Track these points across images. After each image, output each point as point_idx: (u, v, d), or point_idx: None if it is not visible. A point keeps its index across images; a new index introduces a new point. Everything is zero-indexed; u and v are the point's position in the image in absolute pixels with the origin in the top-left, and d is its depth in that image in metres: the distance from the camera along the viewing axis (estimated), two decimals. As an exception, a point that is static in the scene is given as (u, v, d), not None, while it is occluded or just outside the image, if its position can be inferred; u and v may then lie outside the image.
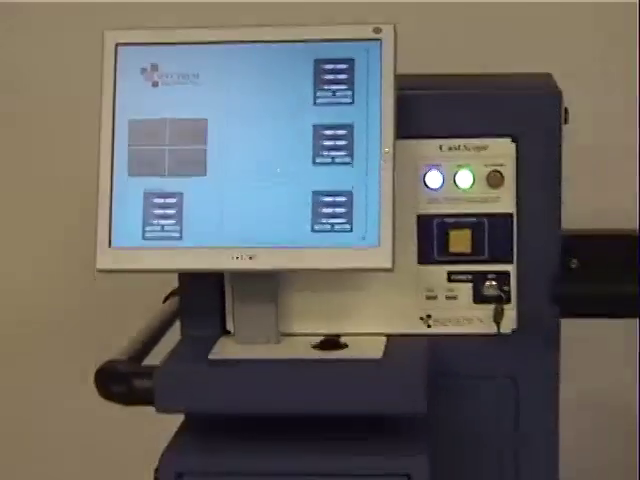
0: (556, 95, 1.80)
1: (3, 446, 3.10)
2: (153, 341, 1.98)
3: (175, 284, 2.02)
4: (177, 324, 2.01)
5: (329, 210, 1.72)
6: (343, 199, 1.71)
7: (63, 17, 2.77)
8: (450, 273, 1.86)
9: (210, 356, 1.80)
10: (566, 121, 1.81)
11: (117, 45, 1.74)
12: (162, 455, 1.76)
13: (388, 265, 1.69)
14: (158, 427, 1.84)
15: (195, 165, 1.74)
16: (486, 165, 1.83)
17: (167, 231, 1.74)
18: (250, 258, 1.72)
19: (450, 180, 1.83)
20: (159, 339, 2.00)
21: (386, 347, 1.81)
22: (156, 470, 1.74)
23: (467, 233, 1.85)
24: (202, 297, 1.91)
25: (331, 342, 1.84)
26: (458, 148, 1.83)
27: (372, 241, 1.69)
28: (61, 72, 2.69)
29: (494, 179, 1.82)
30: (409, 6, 2.52)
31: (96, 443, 3.03)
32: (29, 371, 3.03)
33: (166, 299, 2.16)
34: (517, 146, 1.81)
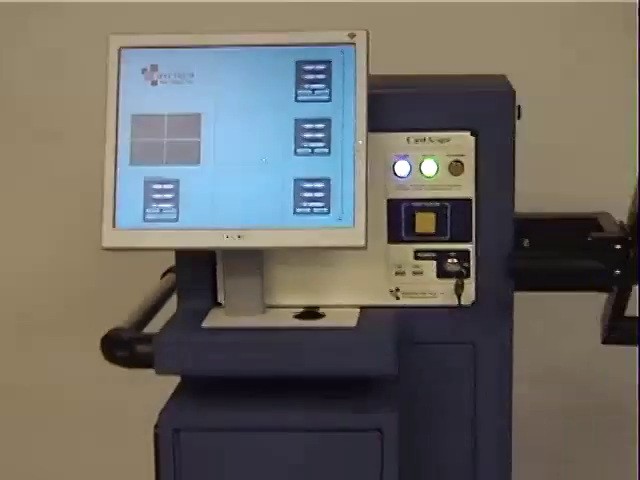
0: (510, 94, 1.85)
1: (25, 407, 3.12)
2: (152, 312, 2.01)
3: (170, 262, 2.07)
4: (173, 297, 2.05)
5: (309, 195, 1.76)
6: (321, 185, 1.76)
7: (70, 19, 2.80)
8: (416, 251, 1.90)
9: (203, 325, 1.85)
10: (519, 117, 1.86)
11: (121, 48, 1.79)
12: (160, 413, 1.79)
13: (361, 243, 1.74)
14: (157, 388, 1.89)
15: (190, 155, 1.79)
16: (448, 155, 1.88)
17: (165, 213, 1.79)
18: (239, 237, 1.76)
19: (416, 169, 1.88)
20: (158, 310, 2.04)
21: (359, 317, 1.86)
22: (156, 426, 1.78)
23: (431, 216, 1.90)
24: (196, 272, 1.95)
25: (311, 313, 1.89)
26: (424, 140, 1.88)
27: (347, 222, 1.74)
28: (71, 71, 2.74)
29: (455, 168, 1.88)
30: (385, 8, 2.59)
31: (103, 403, 3.04)
32: (45, 339, 3.05)
33: (163, 275, 2.19)
34: (476, 139, 1.87)
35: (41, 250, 3.01)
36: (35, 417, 3.12)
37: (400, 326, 1.86)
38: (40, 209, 3.01)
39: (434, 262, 1.92)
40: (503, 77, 1.95)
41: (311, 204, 1.78)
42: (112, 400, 2.99)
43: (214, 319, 1.89)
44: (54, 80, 2.75)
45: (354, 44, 1.77)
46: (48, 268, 3.00)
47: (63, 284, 2.98)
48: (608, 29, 2.70)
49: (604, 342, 2.04)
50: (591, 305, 2.11)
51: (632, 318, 2.01)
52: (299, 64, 1.79)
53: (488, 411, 2.00)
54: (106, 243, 1.80)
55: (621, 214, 1.98)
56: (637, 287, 2.03)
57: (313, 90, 1.79)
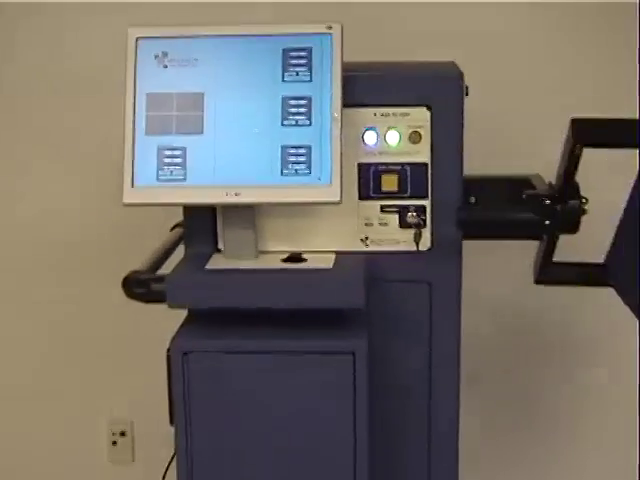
0: (458, 76, 1.95)
1: (57, 336, 3.15)
2: (164, 257, 2.06)
3: (178, 218, 2.15)
4: (181, 247, 2.13)
5: (293, 159, 1.85)
6: (304, 151, 1.85)
7: (100, 15, 2.83)
8: (382, 206, 1.99)
9: (207, 267, 1.94)
10: (467, 94, 1.95)
11: (137, 39, 1.89)
12: (172, 340, 1.88)
13: (337, 199, 1.84)
14: (169, 319, 1.98)
15: (195, 127, 1.87)
16: (408, 127, 1.97)
17: (175, 175, 1.87)
18: (236, 194, 1.86)
19: (382, 138, 1.97)
20: (168, 256, 2.09)
21: (335, 260, 1.95)
22: (168, 350, 1.87)
23: (394, 177, 1.99)
24: (200, 224, 2.03)
25: (295, 257, 1.98)
26: (388, 115, 1.97)
27: (325, 181, 1.84)
28: (98, 58, 2.77)
29: (414, 137, 1.97)
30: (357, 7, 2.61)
31: (123, 333, 3.09)
32: (74, 279, 3.09)
33: (172, 229, 2.24)
34: (431, 113, 1.96)
35: (73, 209, 3.06)
36: (67, 339, 3.16)
37: (368, 268, 1.94)
38: (73, 174, 3.04)
39: (397, 215, 2.00)
40: (453, 63, 2.02)
41: (295, 166, 1.85)
42: (131, 331, 3.05)
43: (215, 262, 1.96)
44: (95, 63, 2.79)
45: (331, 34, 1.86)
46: (80, 221, 3.05)
47: (91, 237, 3.03)
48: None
49: (536, 282, 2.08)
50: (526, 251, 2.15)
51: (559, 263, 2.05)
52: (285, 51, 1.86)
53: (441, 336, 2.08)
54: (126, 200, 1.87)
55: (551, 176, 2.04)
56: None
57: (297, 72, 1.87)
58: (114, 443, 3.21)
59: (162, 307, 1.93)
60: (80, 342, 3.13)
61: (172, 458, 2.03)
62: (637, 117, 1.85)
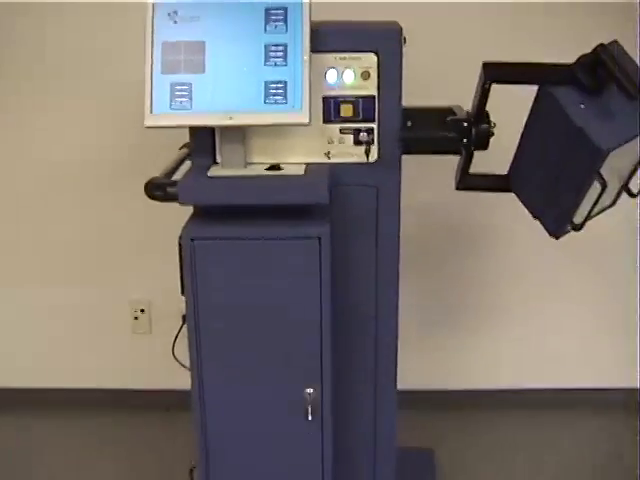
0: (399, 30, 2.00)
1: (89, 231, 3.19)
2: (176, 168, 2.10)
3: (184, 140, 2.17)
4: (187, 161, 2.15)
5: (273, 91, 1.91)
6: (281, 85, 1.90)
7: None
8: (341, 128, 2.05)
9: (208, 174, 2.00)
10: (405, 43, 2.00)
11: (154, 3, 1.95)
12: (182, 230, 1.96)
13: (306, 122, 1.90)
14: (179, 219, 2.02)
15: (198, 68, 1.92)
16: (360, 68, 2.01)
17: (183, 104, 1.92)
18: (230, 118, 1.92)
19: (340, 76, 2.02)
20: (178, 168, 2.12)
21: (306, 169, 2.01)
22: (180, 237, 1.95)
23: (350, 106, 2.04)
24: (202, 142, 2.06)
25: (275, 167, 2.03)
26: (345, 58, 2.01)
27: (298, 108, 1.90)
28: (124, 17, 2.64)
29: (365, 76, 2.01)
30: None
31: (143, 232, 3.16)
32: (104, 188, 3.13)
33: (181, 148, 2.26)
34: (378, 58, 2.01)
35: (105, 136, 3.06)
36: (99, 237, 3.22)
37: (331, 174, 2.00)
38: (100, 107, 3.04)
39: (352, 135, 2.04)
40: (395, 22, 2.05)
41: (275, 97, 1.90)
42: (149, 227, 3.10)
43: (214, 171, 2.01)
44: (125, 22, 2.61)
45: (302, -2, 1.91)
46: (112, 142, 3.05)
47: (120, 155, 3.05)
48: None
49: (457, 189, 2.13)
50: (449, 165, 2.19)
51: (474, 174, 2.10)
52: (267, 9, 1.92)
53: (385, 230, 2.14)
54: (147, 123, 1.93)
55: (468, 107, 2.09)
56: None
57: (276, 26, 1.92)
58: (136, 318, 3.29)
59: (173, 210, 2.00)
60: (108, 240, 3.19)
61: (180, 328, 2.11)
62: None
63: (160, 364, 2.58)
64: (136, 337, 3.27)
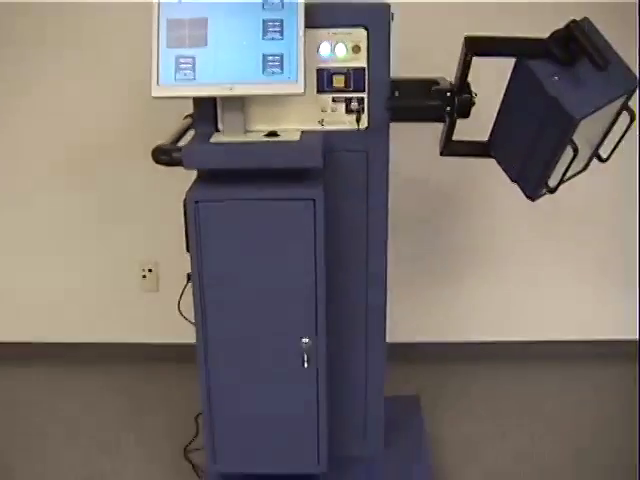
0: (387, 7, 2.02)
1: (103, 196, 3.21)
2: (181, 135, 2.13)
3: (187, 110, 2.19)
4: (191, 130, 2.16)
5: (271, 63, 1.93)
6: (278, 58, 1.93)
7: None
8: (333, 98, 2.07)
9: (211, 140, 2.03)
10: (392, 19, 2.03)
11: None
12: (187, 192, 2.00)
13: (302, 91, 1.93)
14: (183, 185, 2.04)
15: (201, 42, 1.94)
16: (351, 42, 2.03)
17: (187, 76, 1.94)
18: (230, 89, 1.94)
19: (333, 50, 2.04)
20: (183, 135, 2.14)
21: (301, 136, 2.03)
22: (184, 200, 1.99)
23: (342, 77, 2.06)
24: (205, 111, 2.09)
25: (272, 134, 2.05)
26: (337, 34, 2.04)
27: (293, 79, 1.93)
28: None
29: (356, 50, 2.04)
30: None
31: (150, 196, 3.18)
32: (113, 155, 3.14)
33: (185, 118, 2.28)
34: (367, 32, 2.03)
35: (115, 104, 3.06)
36: (113, 202, 3.24)
37: (324, 140, 2.02)
38: (107, 80, 3.05)
39: (343, 104, 2.07)
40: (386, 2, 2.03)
41: (272, 69, 1.93)
42: (156, 194, 3.15)
43: (216, 138, 2.04)
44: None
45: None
46: (120, 111, 3.07)
47: (130, 125, 3.06)
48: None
49: (441, 154, 2.15)
50: (434, 132, 2.20)
51: (457, 141, 2.11)
52: None
53: (374, 193, 2.18)
54: (154, 94, 1.95)
55: (452, 78, 2.08)
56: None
57: (273, 2, 1.95)
58: (144, 277, 3.32)
59: (178, 175, 2.04)
60: (119, 204, 3.22)
61: (185, 286, 2.14)
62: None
63: (167, 319, 2.61)
64: (144, 294, 3.30)
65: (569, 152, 1.90)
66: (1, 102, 3.06)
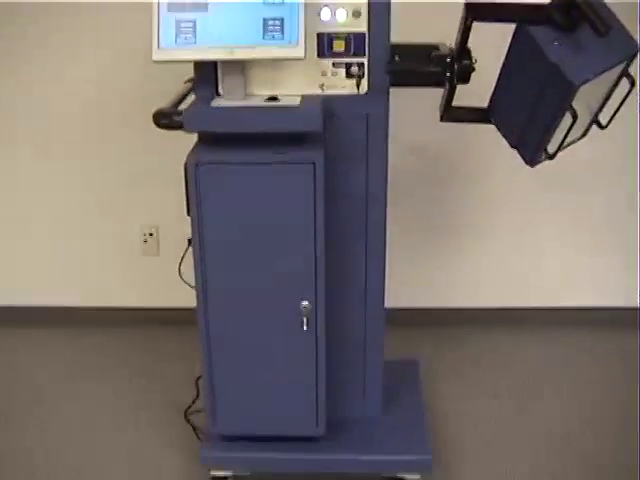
0: None
1: (105, 162, 3.24)
2: (181, 100, 2.13)
3: (189, 74, 2.17)
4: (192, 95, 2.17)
5: (272, 27, 1.94)
6: (279, 22, 1.94)
7: None
8: (334, 62, 2.08)
9: (211, 104, 2.04)
10: None
11: None
12: (187, 156, 2.01)
13: (302, 56, 1.94)
14: (184, 150, 2.06)
15: (202, 7, 1.96)
16: (352, 6, 2.04)
17: (188, 40, 1.95)
18: (231, 52, 1.95)
19: (334, 15, 2.05)
20: (183, 100, 2.14)
21: (301, 100, 2.05)
22: (185, 163, 2.00)
23: (342, 42, 2.07)
24: (205, 75, 2.09)
25: (273, 98, 2.06)
26: None
27: (294, 43, 1.94)
28: None
29: (356, 14, 2.04)
30: None
31: (151, 161, 3.19)
32: (116, 120, 3.15)
33: (186, 82, 2.27)
34: None
35: (116, 69, 3.08)
36: (115, 168, 3.25)
37: (324, 105, 2.04)
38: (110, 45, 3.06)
39: (344, 68, 2.07)
40: None
41: (273, 33, 1.94)
42: (156, 159, 3.15)
43: (217, 102, 2.05)
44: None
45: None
46: (121, 77, 3.08)
47: (129, 90, 3.08)
48: None
49: (441, 120, 2.16)
50: (435, 98, 2.20)
51: (457, 107, 2.12)
52: None
53: (374, 157, 2.18)
54: (155, 57, 1.96)
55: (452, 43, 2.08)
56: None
57: None
58: (145, 241, 3.36)
59: (179, 140, 2.06)
60: (120, 169, 3.24)
61: (185, 250, 2.17)
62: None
63: (167, 284, 2.66)
64: (145, 259, 3.34)
65: (568, 118, 1.91)
66: (3, 67, 3.07)
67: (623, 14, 1.99)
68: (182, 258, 2.28)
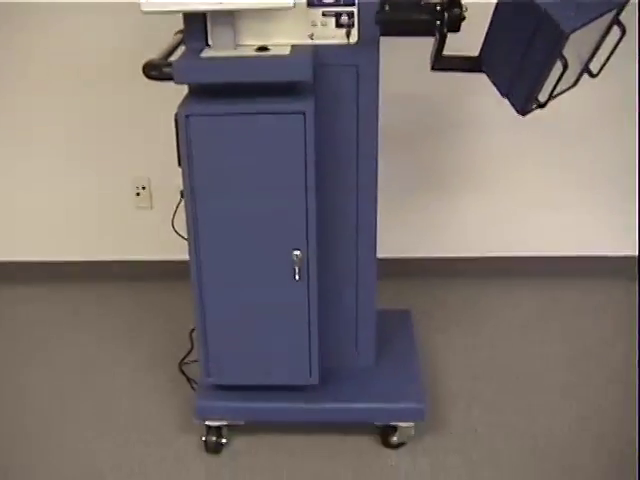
0: None
1: (95, 115, 3.22)
2: (172, 51, 2.13)
3: (178, 27, 2.15)
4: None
5: None
6: None
7: None
8: (323, 12, 2.07)
9: (201, 55, 2.03)
10: None
11: None
12: (178, 107, 1.98)
13: (291, 5, 1.95)
14: (177, 98, 2.05)
15: None
16: None
17: None
18: (220, 2, 1.95)
19: None
20: (174, 52, 2.13)
21: (291, 50, 2.03)
22: (175, 115, 2.00)
23: None
24: (195, 26, 2.08)
25: (263, 48, 2.05)
26: None
27: None
28: None
29: None
30: None
31: (143, 112, 3.14)
32: (105, 74, 3.11)
33: (176, 34, 2.27)
34: None
35: (104, 20, 3.03)
36: (110, 120, 3.23)
37: (314, 55, 2.03)
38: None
39: (333, 18, 2.07)
40: None
41: None
42: (148, 109, 3.09)
43: (207, 53, 2.03)
44: None
45: None
46: (112, 30, 3.05)
47: (119, 42, 3.05)
48: None
49: (432, 69, 2.13)
50: (425, 48, 2.16)
51: (448, 56, 2.09)
52: None
53: (365, 107, 2.17)
54: (143, 8, 1.95)
55: None
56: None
57: None
58: (138, 194, 3.36)
59: (171, 92, 2.05)
60: (112, 122, 3.23)
61: (178, 203, 2.16)
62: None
63: (161, 237, 2.69)
64: (138, 212, 3.36)
65: (559, 67, 1.91)
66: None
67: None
68: (175, 210, 2.28)
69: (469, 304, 3.26)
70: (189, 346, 2.85)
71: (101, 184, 3.31)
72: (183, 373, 2.79)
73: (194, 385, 2.68)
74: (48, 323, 3.18)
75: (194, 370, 2.63)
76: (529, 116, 2.12)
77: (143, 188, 3.31)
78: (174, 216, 2.34)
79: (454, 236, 3.38)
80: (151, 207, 3.34)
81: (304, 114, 1.96)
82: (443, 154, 3.24)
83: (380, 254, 2.37)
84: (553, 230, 3.39)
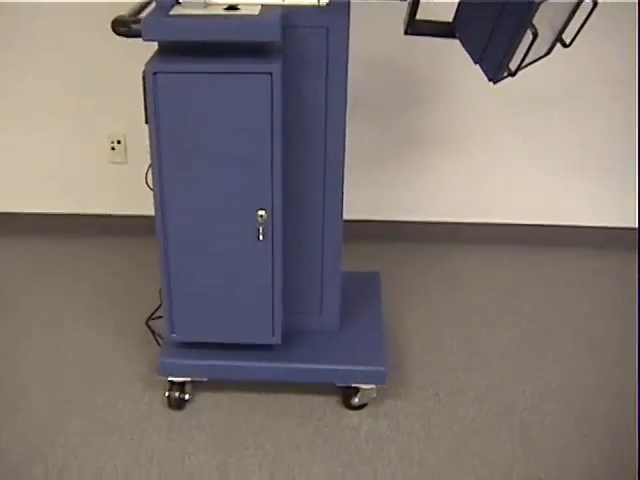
0: None
1: (72, 72, 3.22)
2: (142, 8, 2.12)
3: None
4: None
5: None
6: None
7: None
8: None
9: (170, 13, 2.02)
10: None
11: None
12: (145, 64, 1.97)
13: None
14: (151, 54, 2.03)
15: None
16: None
17: None
18: None
19: None
20: (145, 8, 2.13)
21: (260, 10, 2.02)
22: (143, 72, 1.98)
23: None
24: None
25: (233, 7, 2.05)
26: None
27: None
28: None
29: None
30: None
31: (116, 71, 3.16)
32: (78, 31, 3.13)
33: None
34: None
35: None
36: (81, 80, 3.23)
37: (284, 15, 2.01)
38: None
39: None
40: None
41: None
42: (121, 69, 3.03)
43: (176, 10, 2.03)
44: None
45: None
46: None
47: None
48: None
49: (405, 34, 2.15)
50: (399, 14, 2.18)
51: (421, 20, 2.11)
52: None
53: (334, 70, 2.16)
54: None
55: None
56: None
57: None
58: (113, 149, 3.39)
59: (144, 49, 2.04)
60: (87, 77, 3.24)
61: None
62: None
63: (135, 191, 2.69)
64: (113, 166, 3.38)
65: (529, 36, 1.94)
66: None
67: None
68: (149, 166, 2.25)
69: (442, 269, 3.29)
70: (158, 302, 2.85)
71: (76, 137, 3.32)
72: (150, 329, 2.83)
73: (160, 340, 2.72)
74: (18, 277, 3.21)
75: (162, 326, 2.64)
76: (504, 82, 2.15)
77: (118, 142, 3.34)
78: (148, 171, 2.31)
79: (428, 200, 3.42)
80: (126, 162, 3.35)
81: (271, 74, 1.96)
82: (416, 118, 3.24)
83: (348, 216, 2.39)
84: (531, 199, 3.43)
